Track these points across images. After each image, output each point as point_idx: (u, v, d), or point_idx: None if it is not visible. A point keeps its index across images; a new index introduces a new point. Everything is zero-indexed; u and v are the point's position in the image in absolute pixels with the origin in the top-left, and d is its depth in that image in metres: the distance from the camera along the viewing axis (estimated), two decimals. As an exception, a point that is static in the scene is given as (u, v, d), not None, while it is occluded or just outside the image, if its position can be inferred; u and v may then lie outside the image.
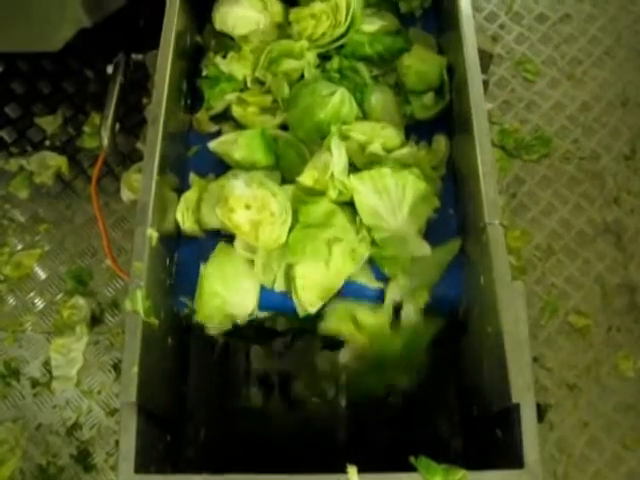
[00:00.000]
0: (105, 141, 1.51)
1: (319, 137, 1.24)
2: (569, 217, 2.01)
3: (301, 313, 1.15)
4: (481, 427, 1.10)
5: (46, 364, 1.85)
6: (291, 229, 1.13)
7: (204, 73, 1.40)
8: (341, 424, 1.29)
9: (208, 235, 1.24)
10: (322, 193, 1.16)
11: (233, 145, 1.25)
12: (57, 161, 2.12)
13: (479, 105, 1.14)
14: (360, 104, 1.31)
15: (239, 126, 1.35)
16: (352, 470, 0.87)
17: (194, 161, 1.34)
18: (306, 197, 1.16)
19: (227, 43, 1.43)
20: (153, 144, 1.14)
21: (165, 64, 1.22)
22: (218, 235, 1.21)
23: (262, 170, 1.24)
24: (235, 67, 1.37)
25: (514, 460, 0.91)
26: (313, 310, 1.14)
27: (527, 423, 0.91)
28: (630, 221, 1.99)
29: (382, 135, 1.24)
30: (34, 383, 1.83)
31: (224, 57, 1.39)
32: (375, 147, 1.21)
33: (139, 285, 1.02)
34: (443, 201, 1.23)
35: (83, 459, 1.74)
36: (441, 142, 1.29)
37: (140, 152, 2.08)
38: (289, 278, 1.15)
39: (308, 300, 1.14)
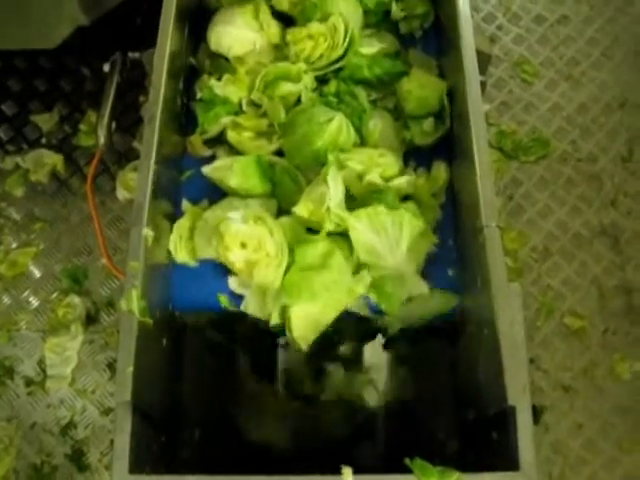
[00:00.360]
0: (101, 139, 1.51)
1: (316, 165, 1.21)
2: (566, 219, 2.01)
3: (295, 348, 1.15)
4: (477, 429, 1.10)
5: (41, 363, 1.84)
6: (287, 268, 1.11)
7: (198, 96, 1.36)
8: (337, 426, 1.29)
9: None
10: (319, 224, 1.13)
11: (228, 171, 1.21)
12: (53, 159, 2.11)
13: (476, 105, 1.13)
14: (358, 129, 1.26)
15: (234, 150, 1.32)
16: (347, 471, 0.87)
17: (187, 186, 1.30)
18: (303, 232, 1.15)
19: (222, 64, 1.40)
20: (149, 143, 1.13)
21: (161, 69, 1.20)
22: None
23: (258, 198, 1.21)
24: (230, 90, 1.33)
25: (509, 462, 0.91)
26: (306, 346, 1.14)
27: (523, 425, 0.91)
28: (627, 223, 1.99)
29: (380, 163, 1.20)
30: (28, 382, 1.83)
31: (219, 79, 1.35)
32: (373, 176, 1.17)
33: (134, 285, 1.02)
34: (442, 231, 1.21)
35: (77, 458, 1.74)
36: (441, 168, 1.26)
37: (136, 151, 2.07)
38: (284, 316, 1.14)
39: (303, 337, 1.13)
